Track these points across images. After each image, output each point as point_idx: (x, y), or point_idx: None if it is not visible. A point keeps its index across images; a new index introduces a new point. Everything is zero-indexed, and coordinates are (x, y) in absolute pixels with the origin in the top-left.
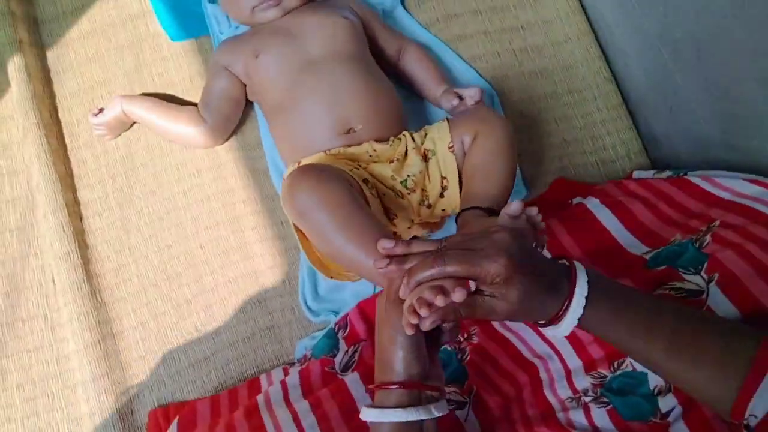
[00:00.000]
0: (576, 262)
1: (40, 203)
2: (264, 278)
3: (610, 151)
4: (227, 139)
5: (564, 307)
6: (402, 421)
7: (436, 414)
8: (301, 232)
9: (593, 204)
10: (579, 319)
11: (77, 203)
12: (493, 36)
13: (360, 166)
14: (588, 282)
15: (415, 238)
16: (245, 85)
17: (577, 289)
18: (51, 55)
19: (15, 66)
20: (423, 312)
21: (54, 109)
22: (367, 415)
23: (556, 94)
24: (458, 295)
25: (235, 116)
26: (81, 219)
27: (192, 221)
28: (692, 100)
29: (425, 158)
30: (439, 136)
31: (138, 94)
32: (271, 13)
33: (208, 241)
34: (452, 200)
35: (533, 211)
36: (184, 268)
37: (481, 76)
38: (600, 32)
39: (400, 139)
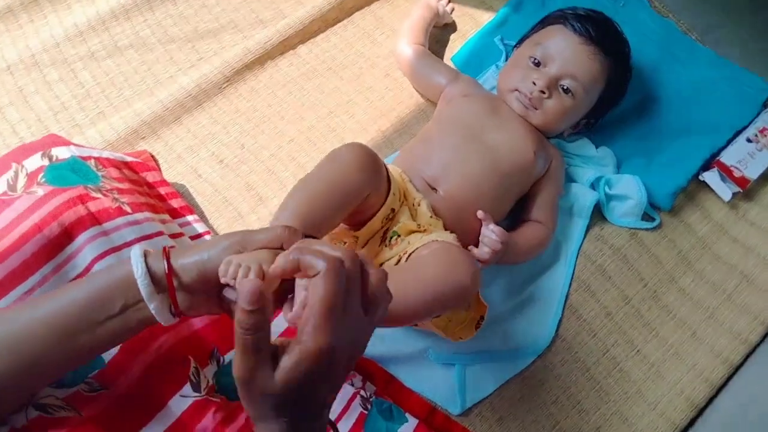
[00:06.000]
0: None
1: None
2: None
3: None
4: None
5: None
6: (135, 275)
7: (151, 307)
8: None
9: None
10: None
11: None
12: (613, 331)
13: (401, 201)
14: None
15: None
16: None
17: None
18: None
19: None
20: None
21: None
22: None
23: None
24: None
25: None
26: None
27: (308, 126)
28: None
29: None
30: (442, 236)
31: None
32: (516, 104)
33: (300, 139)
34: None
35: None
36: (270, 135)
37: (559, 318)
38: None
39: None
